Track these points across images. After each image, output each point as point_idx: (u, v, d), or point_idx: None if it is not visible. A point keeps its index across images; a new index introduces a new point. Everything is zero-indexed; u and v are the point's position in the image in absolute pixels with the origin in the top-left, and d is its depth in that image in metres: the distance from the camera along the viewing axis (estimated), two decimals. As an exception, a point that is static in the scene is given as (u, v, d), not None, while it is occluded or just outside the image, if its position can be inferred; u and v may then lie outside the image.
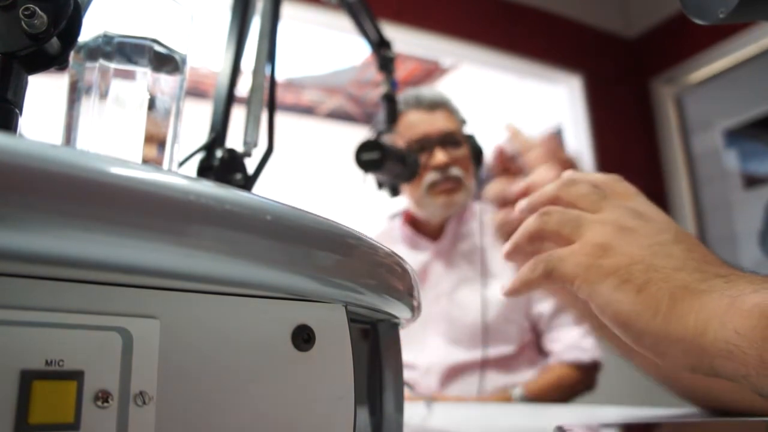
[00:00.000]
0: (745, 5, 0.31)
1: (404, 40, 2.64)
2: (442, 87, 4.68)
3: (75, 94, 0.42)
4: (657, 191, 3.12)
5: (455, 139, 1.31)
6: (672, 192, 3.09)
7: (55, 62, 0.35)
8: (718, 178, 2.95)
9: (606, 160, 3.04)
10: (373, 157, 1.01)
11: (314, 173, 4.94)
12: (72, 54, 0.39)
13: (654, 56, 3.26)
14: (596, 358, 1.27)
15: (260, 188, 0.57)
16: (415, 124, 1.29)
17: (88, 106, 0.41)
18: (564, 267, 0.43)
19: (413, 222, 1.43)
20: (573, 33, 3.23)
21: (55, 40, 0.33)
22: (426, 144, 1.28)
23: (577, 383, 1.26)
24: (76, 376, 0.21)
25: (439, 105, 1.34)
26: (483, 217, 1.38)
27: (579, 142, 3.08)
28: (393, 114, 1.03)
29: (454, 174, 1.28)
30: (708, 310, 0.35)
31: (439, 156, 1.27)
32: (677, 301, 0.37)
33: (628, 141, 3.19)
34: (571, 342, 1.28)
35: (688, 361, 0.37)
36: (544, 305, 1.31)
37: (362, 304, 0.30)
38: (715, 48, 2.91)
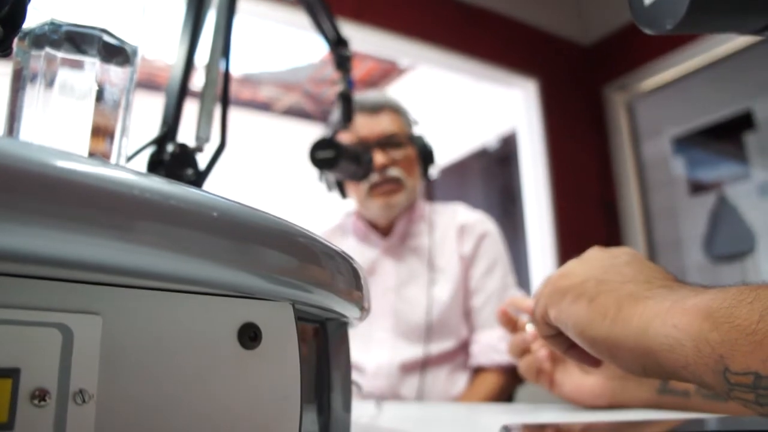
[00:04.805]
0: (690, 17, 0.32)
1: (363, 39, 2.64)
2: (400, 87, 4.70)
3: (19, 82, 0.41)
4: (608, 196, 3.19)
5: (395, 141, 1.33)
6: (622, 197, 3.16)
7: (-2, 49, 0.34)
8: (666, 185, 3.03)
9: (559, 165, 3.09)
10: (327, 156, 1.00)
11: (270, 170, 4.90)
12: (16, 41, 0.37)
13: (608, 64, 3.33)
14: (513, 362, 1.24)
15: (214, 185, 0.57)
16: (356, 127, 1.30)
17: (32, 95, 0.40)
18: (540, 302, 0.49)
19: (365, 218, 1.45)
20: (530, 38, 3.28)
21: (-3, 27, 0.32)
22: (365, 146, 1.29)
23: (504, 389, 1.26)
24: (12, 373, 0.20)
25: (382, 107, 1.36)
26: (431, 217, 1.41)
27: (533, 145, 3.13)
28: (349, 113, 1.03)
29: (392, 175, 1.31)
30: (651, 312, 0.38)
31: (377, 158, 1.29)
32: (623, 307, 0.40)
33: (581, 146, 3.25)
34: (487, 343, 1.29)
35: (636, 361, 0.39)
36: (476, 299, 1.34)
37: (310, 303, 0.30)
38: (666, 58, 2.98)
